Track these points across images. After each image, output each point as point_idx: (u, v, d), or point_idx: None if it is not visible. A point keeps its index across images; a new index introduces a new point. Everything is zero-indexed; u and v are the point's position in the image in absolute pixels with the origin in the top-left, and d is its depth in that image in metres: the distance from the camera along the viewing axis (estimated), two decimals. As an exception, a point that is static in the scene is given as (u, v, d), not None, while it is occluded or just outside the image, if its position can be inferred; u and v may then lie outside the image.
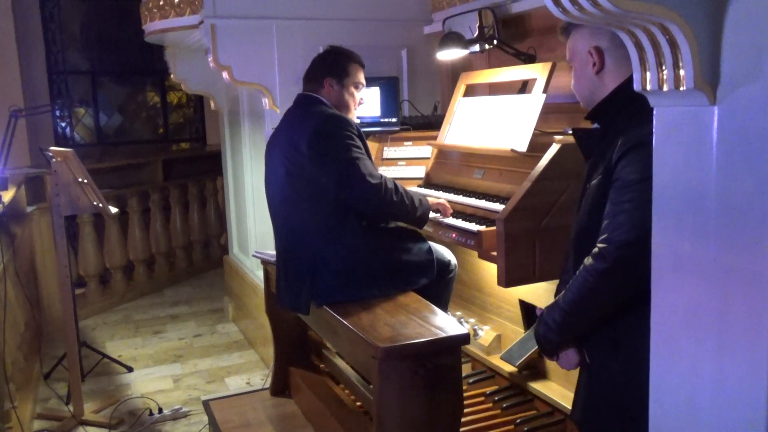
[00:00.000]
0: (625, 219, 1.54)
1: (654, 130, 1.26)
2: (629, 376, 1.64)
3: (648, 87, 1.21)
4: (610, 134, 1.67)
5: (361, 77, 2.66)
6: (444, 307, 2.60)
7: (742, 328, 1.14)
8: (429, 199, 2.61)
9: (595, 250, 1.59)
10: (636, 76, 1.23)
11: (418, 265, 2.52)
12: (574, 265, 1.71)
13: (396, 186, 2.42)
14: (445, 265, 2.64)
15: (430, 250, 2.56)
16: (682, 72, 1.13)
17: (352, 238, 2.39)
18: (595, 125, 1.80)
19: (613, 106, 1.69)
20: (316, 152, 2.36)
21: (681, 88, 1.14)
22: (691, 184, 1.19)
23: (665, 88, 1.17)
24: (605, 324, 1.67)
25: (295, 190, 2.45)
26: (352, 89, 2.62)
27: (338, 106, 2.57)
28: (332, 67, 2.60)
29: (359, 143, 2.41)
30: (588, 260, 1.61)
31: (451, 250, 2.73)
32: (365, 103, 2.80)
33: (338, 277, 2.37)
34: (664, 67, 1.16)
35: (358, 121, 2.74)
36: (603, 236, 1.58)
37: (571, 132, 1.97)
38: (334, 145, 2.36)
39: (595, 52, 1.70)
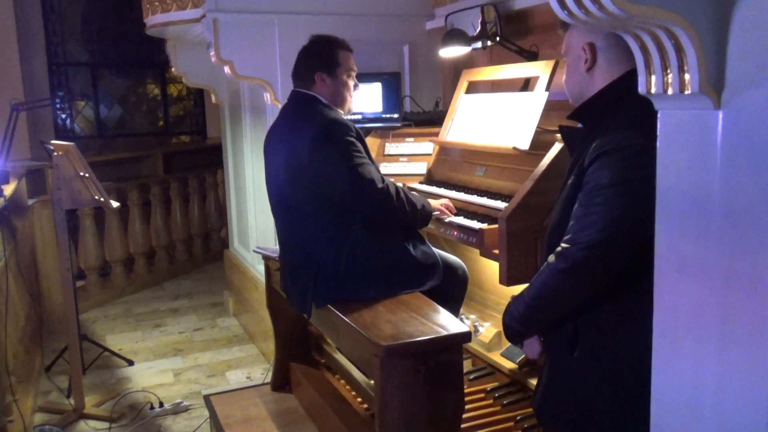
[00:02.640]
0: (590, 222, 1.55)
1: (658, 133, 1.26)
2: (585, 371, 1.67)
3: (652, 90, 1.21)
4: (592, 135, 1.67)
5: (352, 63, 2.55)
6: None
7: (744, 331, 1.15)
8: (431, 201, 2.58)
9: (559, 249, 1.61)
10: (641, 79, 1.23)
11: (420, 270, 2.45)
12: (543, 262, 1.74)
13: (398, 191, 2.37)
14: (453, 273, 2.57)
15: (434, 256, 2.49)
16: (687, 76, 1.13)
17: (354, 242, 2.35)
18: (579, 125, 1.80)
19: (598, 106, 1.69)
20: (318, 159, 2.31)
21: (686, 92, 1.14)
22: (695, 188, 1.19)
23: (670, 92, 1.18)
24: (566, 319, 1.69)
25: (297, 195, 2.41)
26: (345, 78, 2.52)
27: (334, 101, 2.50)
28: (320, 59, 2.49)
29: (360, 147, 2.36)
30: (551, 258, 1.63)
31: (453, 248, 2.72)
32: (366, 99, 2.74)
33: (339, 280, 2.34)
34: (669, 71, 1.16)
35: (356, 114, 2.67)
36: (567, 236, 1.60)
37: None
38: (335, 152, 2.31)
39: (588, 49, 1.69)
